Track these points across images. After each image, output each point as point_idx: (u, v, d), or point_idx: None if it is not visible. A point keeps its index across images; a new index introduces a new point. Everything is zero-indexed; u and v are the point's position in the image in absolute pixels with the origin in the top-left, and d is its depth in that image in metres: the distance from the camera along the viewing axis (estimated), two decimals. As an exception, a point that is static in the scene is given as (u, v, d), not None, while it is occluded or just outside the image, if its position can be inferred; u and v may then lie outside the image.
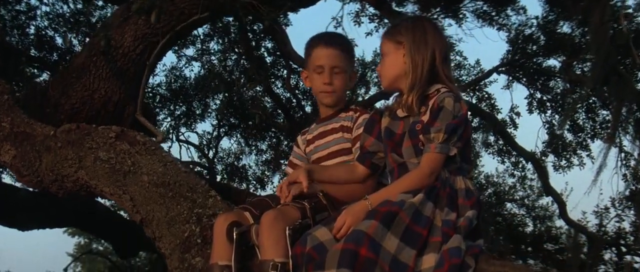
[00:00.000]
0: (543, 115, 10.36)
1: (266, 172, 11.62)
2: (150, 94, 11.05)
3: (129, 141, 3.29)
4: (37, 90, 6.20)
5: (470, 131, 2.46)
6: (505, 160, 10.83)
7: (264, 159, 11.82)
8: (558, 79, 10.05)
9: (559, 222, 11.35)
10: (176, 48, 10.33)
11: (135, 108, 4.49)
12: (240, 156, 10.33)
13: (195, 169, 11.86)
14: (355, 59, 2.88)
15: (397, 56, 2.47)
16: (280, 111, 10.61)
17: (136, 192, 3.11)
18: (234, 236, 2.39)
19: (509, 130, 10.50)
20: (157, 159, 3.20)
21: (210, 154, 11.63)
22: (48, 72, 8.19)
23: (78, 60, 5.88)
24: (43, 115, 5.99)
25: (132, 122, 5.23)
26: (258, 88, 10.94)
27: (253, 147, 11.86)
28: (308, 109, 11.65)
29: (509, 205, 12.19)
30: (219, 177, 11.54)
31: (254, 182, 11.49)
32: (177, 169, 3.16)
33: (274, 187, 11.98)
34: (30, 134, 3.61)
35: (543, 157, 10.12)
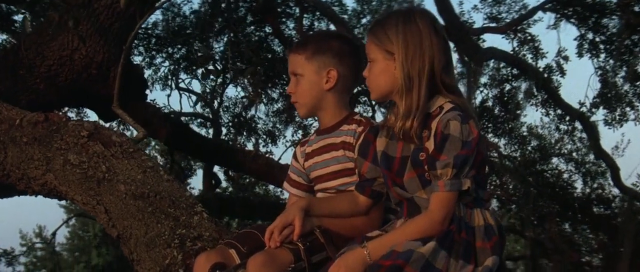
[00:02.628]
0: (595, 60, 10.14)
1: (278, 125, 11.58)
2: (144, 36, 10.96)
3: (103, 141, 3.22)
4: (7, 50, 6.14)
5: (484, 151, 2.33)
6: (549, 112, 10.68)
7: (275, 109, 11.79)
8: (614, 17, 9.76)
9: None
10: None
11: (122, 70, 4.38)
12: (249, 109, 10.23)
13: (198, 121, 11.86)
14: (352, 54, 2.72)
15: (387, 66, 2.32)
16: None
17: (112, 204, 3.06)
18: (217, 281, 2.34)
19: (555, 78, 10.31)
20: (136, 164, 3.14)
21: (215, 104, 11.57)
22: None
23: (54, 14, 5.78)
24: (16, 78, 5.95)
25: (121, 87, 5.15)
26: (266, 30, 10.82)
27: (263, 96, 11.79)
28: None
29: (555, 160, 12.08)
30: (224, 131, 11.53)
31: (264, 136, 11.46)
32: (158, 177, 3.10)
33: (287, 142, 11.97)
34: (-6, 117, 3.55)
35: (593, 110, 9.95)
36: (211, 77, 7.85)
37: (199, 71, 9.34)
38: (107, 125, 9.37)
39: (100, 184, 3.11)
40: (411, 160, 2.29)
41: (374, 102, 11.05)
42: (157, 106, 10.61)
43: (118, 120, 9.71)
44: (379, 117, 10.58)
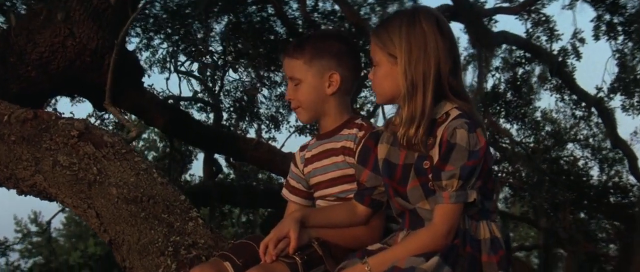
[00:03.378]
0: (613, 42, 10.07)
1: (281, 110, 11.55)
2: (141, 16, 10.91)
3: (94, 141, 3.21)
4: (-2, 36, 6.12)
5: (490, 160, 2.31)
6: (564, 97, 10.64)
7: (278, 93, 11.76)
8: (633, -3, 9.70)
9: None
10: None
11: (116, 58, 4.36)
12: (250, 95, 10.20)
13: (198, 106, 11.85)
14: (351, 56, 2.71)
15: (391, 70, 2.29)
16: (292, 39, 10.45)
17: (103, 208, 3.05)
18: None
19: (570, 61, 10.25)
20: (129, 166, 3.12)
21: (216, 88, 11.55)
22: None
23: (42, 7, 5.76)
24: (6, 66, 5.94)
25: (115, 76, 5.14)
26: (269, 10, 10.76)
27: (265, 79, 11.77)
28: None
29: (570, 146, 12.04)
30: (225, 116, 11.51)
31: (267, 122, 11.45)
32: (151, 180, 3.08)
33: (291, 127, 11.96)
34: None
35: (610, 95, 9.90)
36: (208, 71, 7.82)
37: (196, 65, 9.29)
38: (102, 114, 9.41)
39: (91, 186, 3.10)
40: (414, 168, 2.27)
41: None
42: (155, 92, 10.62)
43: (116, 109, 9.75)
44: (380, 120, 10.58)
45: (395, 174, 2.32)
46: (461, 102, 2.27)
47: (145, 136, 19.67)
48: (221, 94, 11.56)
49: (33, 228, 26.10)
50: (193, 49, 11.36)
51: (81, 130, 3.26)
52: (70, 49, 5.92)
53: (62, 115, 3.47)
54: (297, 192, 2.78)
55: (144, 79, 7.35)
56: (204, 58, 9.11)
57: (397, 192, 2.32)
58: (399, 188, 2.31)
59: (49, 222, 12.41)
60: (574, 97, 10.49)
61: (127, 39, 8.23)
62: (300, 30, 10.66)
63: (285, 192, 2.82)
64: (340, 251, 2.40)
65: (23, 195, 3.57)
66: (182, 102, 11.14)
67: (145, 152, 20.25)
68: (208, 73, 11.44)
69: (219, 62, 11.54)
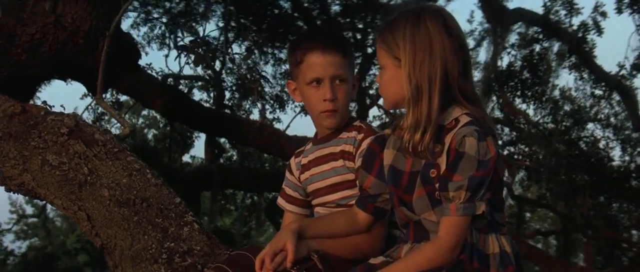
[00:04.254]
0: (636, 16, 9.97)
1: (286, 89, 11.50)
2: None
3: (85, 139, 3.20)
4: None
5: (502, 171, 2.28)
6: (583, 75, 10.56)
7: (283, 70, 11.71)
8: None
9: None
10: None
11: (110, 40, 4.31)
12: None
13: (199, 85, 11.81)
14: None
15: (396, 74, 2.26)
16: (298, 15, 10.39)
17: (94, 210, 3.04)
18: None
19: (590, 37, 10.17)
20: (121, 167, 3.11)
21: (217, 65, 11.50)
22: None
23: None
24: (-4, 49, 5.92)
25: (109, 60, 5.11)
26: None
27: (269, 56, 11.72)
28: (335, 7, 11.40)
29: (590, 126, 11.97)
30: (227, 95, 11.47)
31: (272, 101, 11.40)
32: (145, 181, 3.08)
33: (296, 107, 11.91)
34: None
35: (633, 72, 9.82)
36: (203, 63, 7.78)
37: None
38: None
39: (82, 187, 3.09)
40: (421, 176, 2.25)
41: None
42: (154, 71, 10.58)
43: (111, 91, 9.73)
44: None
45: (401, 181, 2.30)
46: (472, 107, 2.24)
47: (144, 112, 19.67)
48: (223, 71, 11.52)
49: (29, 209, 26.22)
50: (193, 24, 11.30)
51: (71, 128, 3.25)
52: (62, 30, 5.89)
53: (52, 109, 3.46)
54: (294, 201, 2.77)
55: (141, 57, 7.30)
56: (200, 49, 9.05)
57: (402, 201, 2.30)
58: (404, 197, 2.29)
59: (44, 204, 12.43)
60: (594, 76, 10.42)
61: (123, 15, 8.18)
62: (305, 4, 10.60)
63: (281, 201, 2.80)
64: (340, 264, 2.38)
65: (11, 193, 3.57)
66: (182, 81, 11.10)
67: (145, 130, 20.28)
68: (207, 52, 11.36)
69: (221, 40, 11.47)
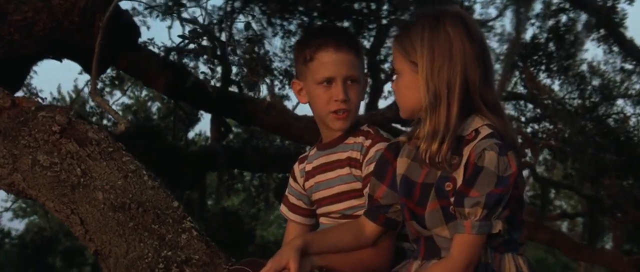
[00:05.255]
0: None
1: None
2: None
3: (78, 138, 3.17)
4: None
5: (522, 187, 2.25)
6: (612, 48, 10.46)
7: (292, 43, 11.64)
8: None
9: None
10: None
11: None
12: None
13: (204, 58, 11.74)
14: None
15: (413, 80, 2.23)
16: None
17: (88, 214, 3.03)
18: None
19: (621, 7, 10.06)
20: (116, 167, 3.09)
21: (222, 37, 11.42)
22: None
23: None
24: (-13, 29, 5.90)
25: (104, 39, 5.08)
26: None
27: (278, 27, 11.66)
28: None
29: (620, 102, 11.87)
30: (234, 70, 11.41)
31: (281, 76, 11.34)
32: (141, 184, 3.06)
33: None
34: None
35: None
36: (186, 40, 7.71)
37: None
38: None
39: (75, 190, 3.08)
40: (435, 189, 2.22)
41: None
42: (155, 47, 10.51)
43: (111, 70, 9.70)
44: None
45: (414, 193, 2.27)
46: (494, 118, 2.20)
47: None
48: (228, 45, 11.43)
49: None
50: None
51: (63, 125, 3.23)
52: (57, 8, 5.88)
53: (44, 103, 3.44)
54: (298, 210, 2.75)
55: (142, 32, 7.26)
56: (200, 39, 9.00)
57: (413, 214, 2.27)
58: (416, 209, 2.26)
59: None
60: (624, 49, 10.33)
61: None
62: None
63: (284, 209, 2.78)
64: (347, 281, 2.37)
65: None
66: (185, 55, 11.04)
67: (149, 103, 20.27)
68: (214, 21, 11.29)
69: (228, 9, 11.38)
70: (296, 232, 2.76)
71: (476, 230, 2.12)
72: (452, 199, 2.17)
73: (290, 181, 2.78)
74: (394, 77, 2.34)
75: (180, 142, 11.53)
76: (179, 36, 8.67)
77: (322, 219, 2.66)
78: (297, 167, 2.77)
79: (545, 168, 12.85)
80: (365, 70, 2.62)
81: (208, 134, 12.23)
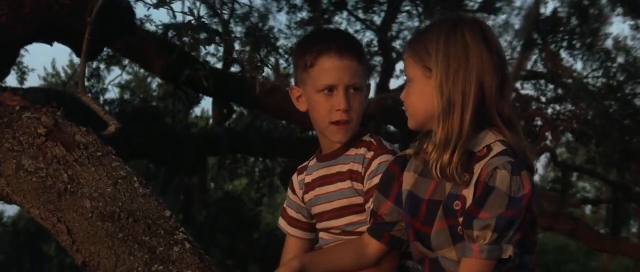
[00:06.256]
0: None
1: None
2: None
3: (65, 142, 3.15)
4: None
5: (536, 209, 2.22)
6: (639, 24, 10.39)
7: (299, 18, 11.63)
8: None
9: None
10: None
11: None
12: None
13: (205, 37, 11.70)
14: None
15: (426, 87, 2.21)
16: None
17: (75, 223, 3.02)
18: None
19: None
20: (105, 174, 3.07)
21: (225, 14, 11.37)
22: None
23: None
24: (-27, 12, 5.88)
25: (97, 24, 5.05)
26: None
27: (283, 2, 11.63)
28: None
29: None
30: (237, 46, 11.37)
31: (286, 55, 11.31)
32: (132, 191, 3.04)
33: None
34: None
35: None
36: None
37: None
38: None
39: (62, 197, 3.06)
40: (444, 208, 2.19)
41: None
42: (153, 25, 10.48)
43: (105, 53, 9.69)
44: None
45: (420, 211, 2.25)
46: (509, 133, 2.17)
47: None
48: (231, 21, 11.40)
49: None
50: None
51: (49, 128, 3.21)
52: (46, -11, 5.85)
53: (28, 106, 3.42)
54: (297, 224, 2.73)
55: (136, 17, 7.23)
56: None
57: (418, 234, 2.25)
58: (422, 229, 2.24)
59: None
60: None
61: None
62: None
63: (282, 223, 2.77)
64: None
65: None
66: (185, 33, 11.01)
67: (149, 79, 20.23)
68: None
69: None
70: (296, 247, 2.74)
71: (485, 255, 2.10)
72: (460, 220, 2.15)
73: (289, 193, 2.76)
74: (405, 87, 2.32)
75: (181, 125, 11.52)
76: (181, 12, 8.62)
77: (322, 235, 2.65)
78: (296, 179, 2.75)
79: (567, 152, 12.81)
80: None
81: (211, 113, 12.18)
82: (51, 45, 6.84)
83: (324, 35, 2.64)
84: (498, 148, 2.14)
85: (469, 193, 2.14)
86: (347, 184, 2.55)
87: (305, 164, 2.75)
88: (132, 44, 7.51)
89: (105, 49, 10.43)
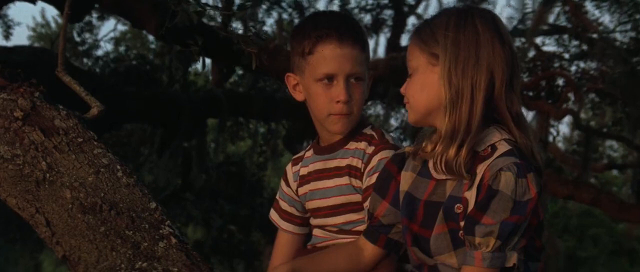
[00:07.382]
0: None
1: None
2: None
3: (43, 126, 3.13)
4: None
5: (542, 211, 2.19)
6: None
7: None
8: None
9: None
10: None
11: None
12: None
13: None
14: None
15: (430, 77, 2.18)
16: None
17: (55, 215, 3.01)
18: None
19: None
20: (86, 162, 3.06)
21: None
22: None
23: None
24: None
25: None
26: None
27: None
28: None
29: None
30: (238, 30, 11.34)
31: (290, 9, 11.28)
32: (114, 180, 3.03)
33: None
34: None
35: None
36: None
37: None
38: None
39: (40, 186, 3.05)
40: (444, 210, 2.17)
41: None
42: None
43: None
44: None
45: (417, 213, 2.23)
46: (516, 131, 2.15)
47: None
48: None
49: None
50: None
51: (27, 111, 3.18)
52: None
53: (4, 85, 3.39)
54: (289, 217, 2.72)
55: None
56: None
57: (416, 238, 2.24)
58: (420, 232, 2.23)
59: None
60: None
61: None
62: None
63: (274, 216, 2.75)
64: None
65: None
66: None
67: (145, 34, 20.14)
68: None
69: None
70: (288, 244, 2.74)
71: (487, 263, 2.08)
72: (462, 224, 2.13)
73: (282, 183, 2.75)
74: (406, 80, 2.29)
75: (178, 84, 11.50)
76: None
77: (315, 231, 2.64)
78: (290, 169, 2.73)
79: (592, 113, 12.73)
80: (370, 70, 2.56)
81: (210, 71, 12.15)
82: (34, 3, 6.81)
83: (323, 19, 2.59)
84: (503, 147, 2.12)
85: (471, 195, 2.12)
86: (345, 179, 2.53)
87: (301, 154, 2.73)
88: (123, 2, 7.46)
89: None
